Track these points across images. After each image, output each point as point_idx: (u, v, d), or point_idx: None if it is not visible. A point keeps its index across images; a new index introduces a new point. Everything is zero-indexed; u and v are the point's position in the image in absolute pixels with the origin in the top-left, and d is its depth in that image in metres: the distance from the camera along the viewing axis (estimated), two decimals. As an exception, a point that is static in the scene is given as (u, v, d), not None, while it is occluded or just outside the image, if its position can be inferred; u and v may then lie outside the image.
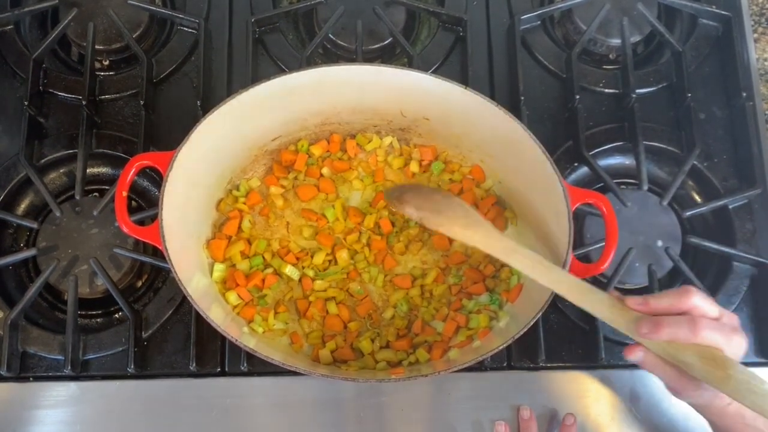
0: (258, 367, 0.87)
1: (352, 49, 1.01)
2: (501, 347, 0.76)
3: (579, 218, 0.93)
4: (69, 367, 0.85)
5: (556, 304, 0.90)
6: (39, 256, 0.90)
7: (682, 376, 0.70)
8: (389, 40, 1.02)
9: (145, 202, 0.96)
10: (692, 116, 0.98)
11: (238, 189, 0.92)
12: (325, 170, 0.94)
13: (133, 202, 0.96)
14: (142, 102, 0.96)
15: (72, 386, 0.86)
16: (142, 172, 0.95)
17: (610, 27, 1.02)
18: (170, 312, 0.89)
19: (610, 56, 1.05)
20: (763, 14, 1.11)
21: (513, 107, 0.96)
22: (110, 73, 1.01)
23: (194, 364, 0.86)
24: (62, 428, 0.85)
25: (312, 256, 0.90)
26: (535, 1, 1.06)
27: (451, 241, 0.91)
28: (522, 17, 1.01)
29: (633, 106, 0.97)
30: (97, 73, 1.00)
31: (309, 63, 0.98)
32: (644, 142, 0.96)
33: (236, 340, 0.75)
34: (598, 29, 1.02)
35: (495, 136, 0.86)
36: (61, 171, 0.97)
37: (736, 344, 0.67)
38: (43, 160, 0.95)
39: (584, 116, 0.98)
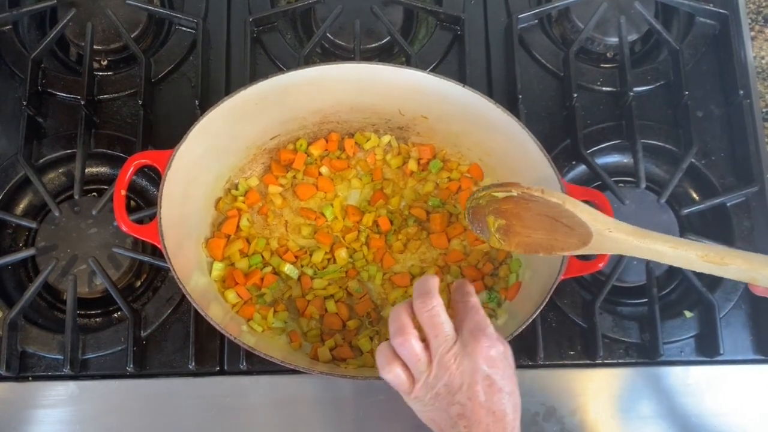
0: (257, 365, 0.87)
1: (350, 48, 1.01)
2: (499, 345, 0.76)
3: (577, 216, 0.93)
4: (68, 367, 0.85)
5: (555, 302, 0.91)
6: (38, 256, 0.90)
7: None
8: (387, 39, 1.02)
9: (144, 201, 0.96)
10: (690, 114, 0.98)
11: (236, 188, 0.92)
12: (323, 169, 0.94)
13: (132, 202, 0.96)
14: (140, 102, 0.96)
15: (71, 385, 0.86)
16: (141, 172, 0.95)
17: (608, 25, 1.03)
18: (169, 311, 0.89)
19: (608, 55, 1.05)
20: (759, 12, 1.12)
21: (511, 106, 0.97)
22: (109, 72, 1.01)
23: (193, 363, 0.86)
24: (62, 427, 0.85)
25: (311, 255, 0.90)
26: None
27: (449, 239, 0.91)
28: (519, 16, 1.02)
29: (630, 105, 0.98)
30: (96, 72, 1.00)
31: (307, 62, 0.98)
32: (642, 140, 0.96)
33: (235, 339, 0.75)
34: (595, 28, 1.02)
35: (493, 134, 0.86)
36: (60, 171, 0.97)
37: None
38: (41, 160, 0.95)
39: (582, 114, 0.99)
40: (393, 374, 0.67)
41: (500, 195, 0.73)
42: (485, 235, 0.77)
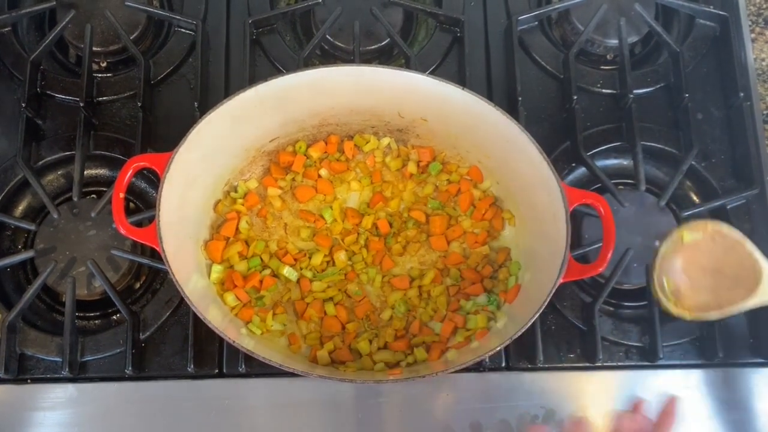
0: (256, 368, 0.87)
1: (349, 50, 1.01)
2: (499, 348, 0.76)
3: (577, 219, 0.93)
4: (67, 369, 0.85)
5: (554, 305, 0.91)
6: (37, 258, 0.90)
7: None
8: (387, 41, 1.02)
9: (143, 203, 0.96)
10: (690, 116, 0.98)
11: (235, 190, 0.92)
12: (323, 171, 0.94)
13: (131, 204, 0.96)
14: (139, 104, 0.95)
15: (70, 388, 0.86)
16: (140, 174, 0.95)
17: (608, 27, 1.03)
18: (168, 313, 0.89)
19: (608, 57, 1.05)
20: (760, 14, 1.11)
21: (510, 108, 0.96)
22: (108, 74, 1.01)
23: (192, 366, 0.86)
24: (60, 430, 0.85)
25: (310, 257, 0.90)
26: (533, 1, 1.06)
27: (448, 241, 0.91)
28: (519, 18, 1.01)
29: (630, 107, 0.97)
30: (95, 74, 1.00)
31: (306, 64, 0.98)
32: (642, 143, 0.96)
33: (234, 342, 0.75)
34: (595, 30, 1.02)
35: (493, 136, 0.86)
36: (59, 173, 0.97)
37: None
38: (40, 162, 0.95)
39: (582, 117, 0.98)
40: None
41: (688, 237, 0.77)
42: (665, 297, 0.77)
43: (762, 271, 0.73)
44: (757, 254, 0.74)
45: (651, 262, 0.77)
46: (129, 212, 0.92)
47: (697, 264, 0.76)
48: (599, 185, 0.95)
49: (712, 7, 1.04)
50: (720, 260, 0.76)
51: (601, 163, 0.98)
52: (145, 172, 0.94)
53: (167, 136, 0.96)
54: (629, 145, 0.97)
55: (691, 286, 0.76)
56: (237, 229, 0.90)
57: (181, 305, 0.89)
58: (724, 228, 0.76)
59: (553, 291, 0.76)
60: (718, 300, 0.76)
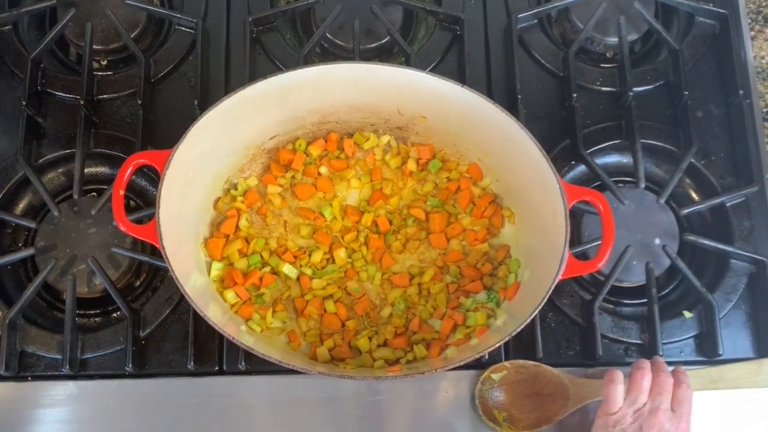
0: (256, 365, 0.87)
1: (349, 48, 1.01)
2: (498, 344, 0.76)
3: (577, 216, 0.93)
4: (67, 367, 0.85)
5: (554, 302, 0.91)
6: (37, 256, 0.90)
7: None
8: (387, 39, 1.02)
9: (143, 201, 0.96)
10: (689, 114, 0.98)
11: (235, 188, 0.92)
12: (322, 169, 0.94)
13: (132, 202, 0.96)
14: (139, 101, 0.96)
15: (70, 385, 0.87)
16: (141, 172, 0.95)
17: (607, 25, 1.03)
18: (168, 311, 0.89)
19: (607, 54, 1.05)
20: (759, 12, 1.11)
21: (510, 106, 0.97)
22: (108, 72, 1.01)
23: (192, 363, 0.86)
24: (61, 427, 0.85)
25: (310, 255, 0.90)
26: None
27: (448, 239, 0.91)
28: (519, 16, 1.02)
29: (630, 105, 0.98)
30: (95, 72, 1.00)
31: (306, 62, 0.98)
32: (641, 140, 0.96)
33: (234, 339, 0.75)
34: (595, 28, 1.02)
35: (492, 134, 0.86)
36: (60, 171, 0.97)
37: None
38: (41, 160, 0.95)
39: (581, 114, 0.99)
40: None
41: (496, 377, 0.86)
42: (500, 426, 0.86)
43: (567, 385, 0.85)
44: (556, 371, 0.85)
45: (474, 403, 0.87)
46: (129, 210, 0.92)
47: (518, 392, 0.86)
48: (599, 183, 0.96)
49: (711, 5, 1.05)
50: (533, 385, 0.86)
51: (600, 160, 0.98)
52: (145, 169, 0.94)
53: (167, 134, 0.96)
54: (629, 143, 0.97)
55: (521, 411, 0.86)
56: (237, 226, 0.90)
57: (181, 303, 0.90)
58: (520, 361, 0.87)
59: (552, 288, 0.76)
60: (546, 414, 0.85)
